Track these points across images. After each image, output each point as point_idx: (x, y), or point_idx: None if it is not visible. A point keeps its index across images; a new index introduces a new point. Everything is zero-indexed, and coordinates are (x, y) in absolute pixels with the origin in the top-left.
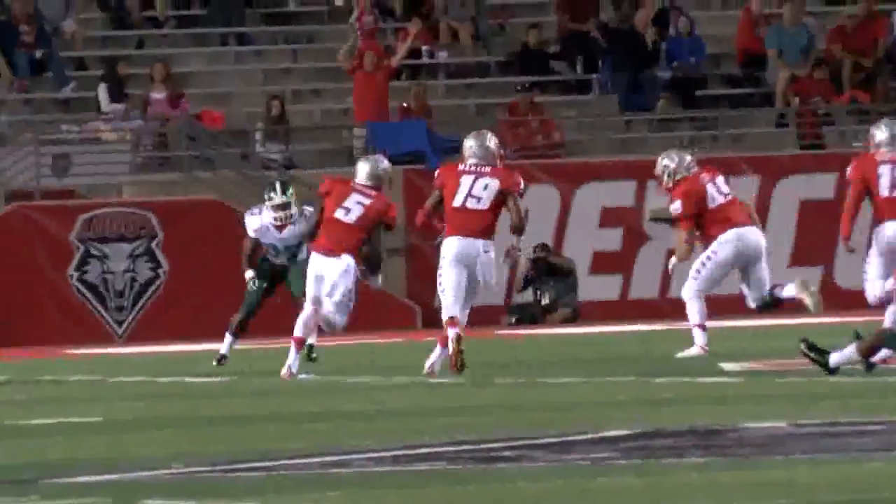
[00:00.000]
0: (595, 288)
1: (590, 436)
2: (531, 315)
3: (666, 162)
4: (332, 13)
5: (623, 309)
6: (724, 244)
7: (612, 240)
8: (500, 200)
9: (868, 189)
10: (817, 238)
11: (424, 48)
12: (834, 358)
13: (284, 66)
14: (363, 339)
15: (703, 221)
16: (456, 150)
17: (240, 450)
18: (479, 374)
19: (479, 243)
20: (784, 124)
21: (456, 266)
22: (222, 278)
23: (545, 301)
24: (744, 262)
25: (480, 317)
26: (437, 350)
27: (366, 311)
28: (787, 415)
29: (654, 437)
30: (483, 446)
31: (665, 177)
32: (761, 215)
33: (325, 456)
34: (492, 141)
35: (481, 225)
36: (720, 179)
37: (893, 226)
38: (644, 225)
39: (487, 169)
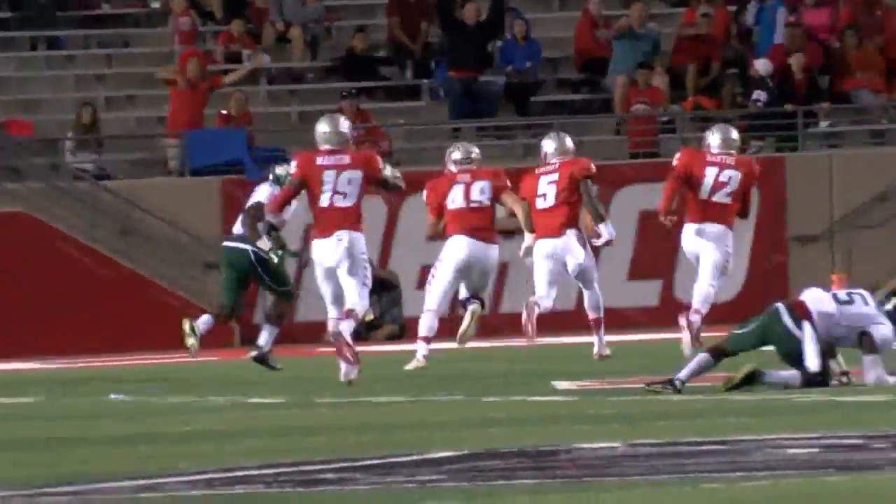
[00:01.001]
0: (422, 303)
1: (415, 457)
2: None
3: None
4: (148, 16)
5: (454, 325)
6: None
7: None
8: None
9: (689, 185)
10: (657, 250)
11: (245, 52)
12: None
13: (97, 72)
14: (177, 357)
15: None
16: (275, 159)
17: (50, 473)
18: (299, 392)
19: (346, 234)
20: (625, 131)
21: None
22: (30, 294)
23: (369, 317)
24: (465, 270)
25: (305, 333)
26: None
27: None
28: (621, 435)
29: (482, 459)
30: (303, 468)
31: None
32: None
33: (137, 479)
34: (344, 125)
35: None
36: (479, 185)
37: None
38: None
39: (347, 159)
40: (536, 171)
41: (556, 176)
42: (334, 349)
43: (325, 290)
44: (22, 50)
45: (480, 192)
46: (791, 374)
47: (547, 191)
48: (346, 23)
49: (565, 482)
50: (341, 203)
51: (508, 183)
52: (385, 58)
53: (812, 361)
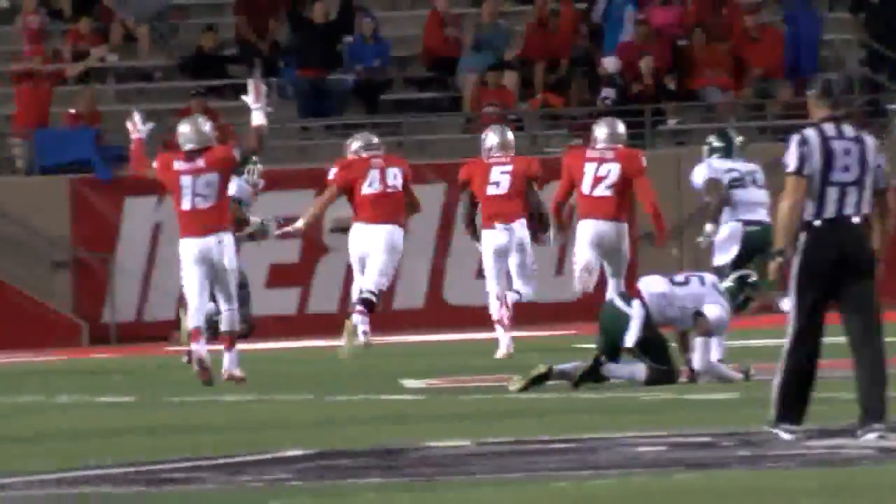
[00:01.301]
0: (271, 302)
1: (264, 456)
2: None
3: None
4: None
5: (301, 324)
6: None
7: (289, 252)
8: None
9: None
10: None
11: (93, 50)
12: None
13: None
14: (24, 356)
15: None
16: (126, 158)
17: None
18: (147, 393)
19: (213, 238)
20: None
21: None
22: None
23: (216, 316)
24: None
25: (154, 330)
26: None
27: (30, 327)
28: (470, 433)
29: (331, 458)
30: (151, 468)
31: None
32: (449, 225)
33: None
34: (206, 125)
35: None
36: (392, 171)
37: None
38: (324, 236)
39: (202, 163)
40: (487, 161)
41: (510, 167)
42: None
43: (191, 282)
44: None
45: (394, 177)
46: (635, 367)
47: (500, 179)
48: (195, 21)
49: (413, 481)
50: (203, 205)
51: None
52: (233, 56)
53: (631, 338)
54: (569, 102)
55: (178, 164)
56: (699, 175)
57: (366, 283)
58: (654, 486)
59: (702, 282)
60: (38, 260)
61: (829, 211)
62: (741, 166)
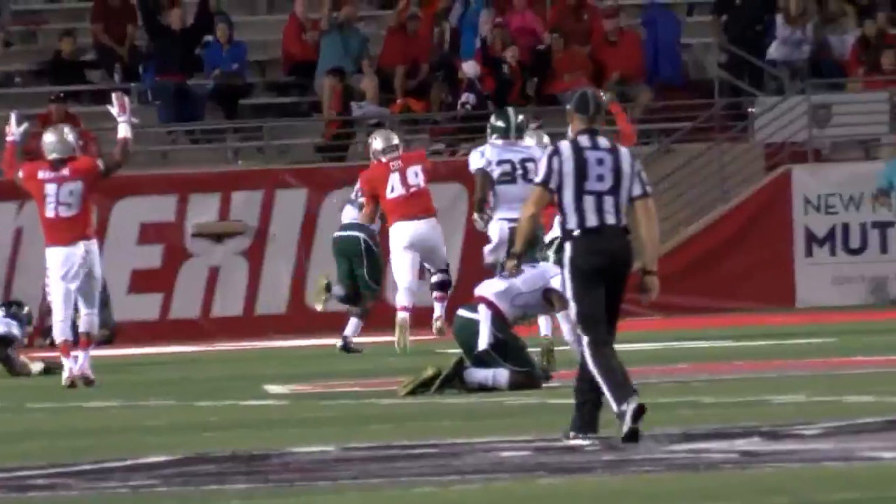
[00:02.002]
0: (133, 307)
1: (128, 462)
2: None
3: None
4: None
5: (163, 329)
6: None
7: (151, 257)
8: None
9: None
10: None
11: None
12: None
13: None
14: None
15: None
16: None
17: None
18: (12, 398)
19: (80, 245)
20: (334, 135)
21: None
22: None
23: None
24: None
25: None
26: None
27: None
28: (334, 439)
29: (195, 464)
30: (14, 475)
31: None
32: (311, 230)
33: None
34: (70, 134)
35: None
36: (412, 170)
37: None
38: (186, 242)
39: (67, 172)
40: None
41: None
42: (58, 352)
43: (57, 293)
44: None
45: (415, 175)
46: (497, 371)
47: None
48: (53, 26)
49: (277, 486)
50: (67, 213)
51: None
52: (92, 62)
53: (483, 341)
54: (429, 107)
55: (43, 174)
56: (474, 162)
57: (434, 271)
58: (519, 490)
59: (534, 265)
60: None
61: (591, 220)
62: (516, 154)
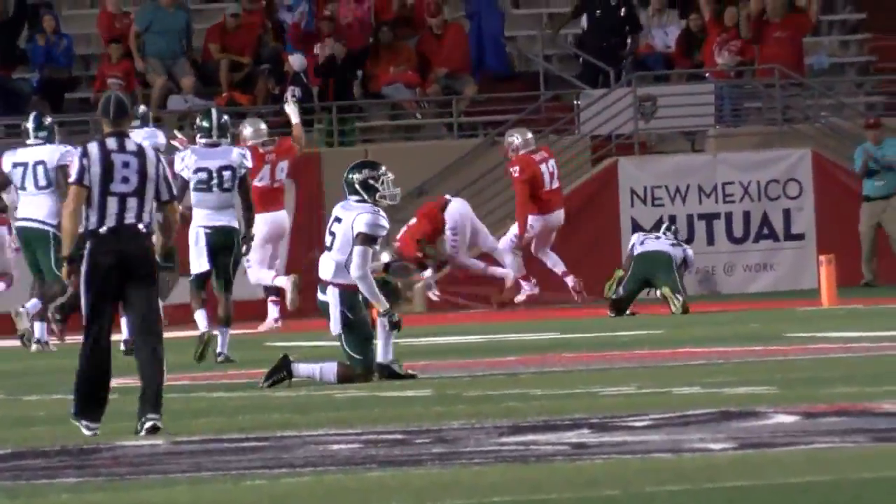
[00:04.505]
0: None
1: None
2: None
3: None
4: None
5: None
6: None
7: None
8: None
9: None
10: None
11: None
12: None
13: None
14: None
15: None
16: None
17: None
18: None
19: None
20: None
21: None
22: None
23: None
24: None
25: None
26: None
27: None
28: (164, 432)
29: (24, 458)
30: None
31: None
32: None
33: None
34: None
35: None
36: (280, 165)
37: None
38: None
39: None
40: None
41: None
42: None
43: None
44: None
45: (281, 171)
46: (324, 365)
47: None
48: None
49: (108, 479)
50: None
51: None
52: None
53: (335, 326)
54: (255, 100)
55: None
56: (184, 161)
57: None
58: (349, 483)
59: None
60: None
61: (111, 220)
62: (216, 162)
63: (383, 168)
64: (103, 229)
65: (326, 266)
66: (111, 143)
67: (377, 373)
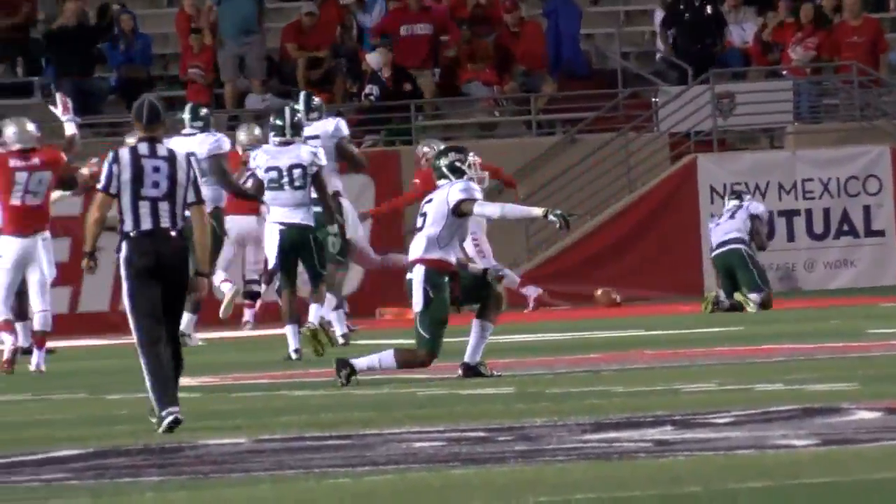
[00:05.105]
0: None
1: (40, 456)
2: None
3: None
4: None
5: (72, 323)
6: None
7: (59, 251)
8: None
9: None
10: None
11: None
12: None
13: None
14: None
15: None
16: None
17: None
18: None
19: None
20: (234, 127)
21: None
22: None
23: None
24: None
25: None
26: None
27: None
28: (246, 430)
29: (107, 456)
30: None
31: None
32: None
33: None
34: (31, 125)
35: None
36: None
37: None
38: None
39: (37, 161)
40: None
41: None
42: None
43: (5, 284)
44: None
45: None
46: (381, 354)
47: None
48: None
49: (191, 478)
50: (32, 202)
51: None
52: None
53: (416, 304)
54: (333, 99)
55: (14, 161)
56: (256, 160)
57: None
58: (432, 480)
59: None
60: None
61: (145, 223)
62: (286, 160)
63: (470, 152)
64: (138, 232)
65: (417, 244)
66: (142, 148)
67: (462, 372)
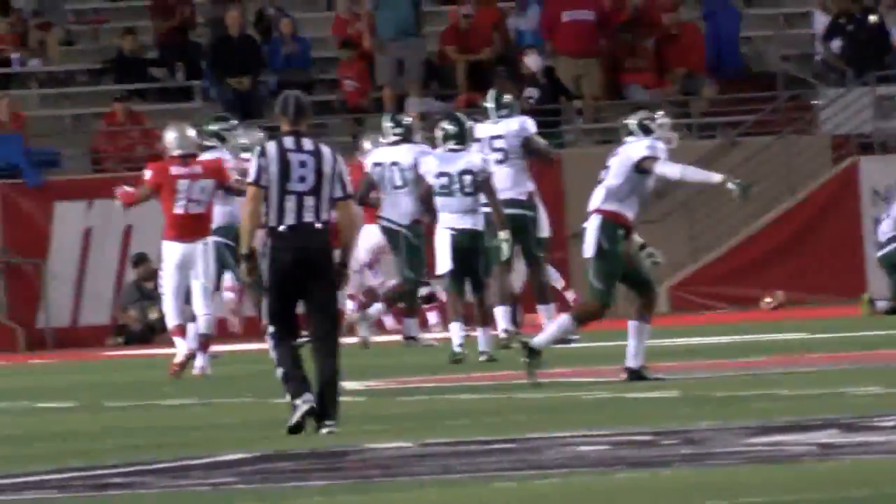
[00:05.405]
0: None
1: (206, 460)
2: (140, 334)
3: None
4: None
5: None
6: None
7: None
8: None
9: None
10: None
11: (14, 56)
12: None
13: None
14: None
15: None
16: (54, 163)
17: None
18: (87, 396)
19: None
20: None
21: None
22: None
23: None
24: None
25: (89, 334)
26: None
27: None
28: (411, 434)
29: (274, 461)
30: (94, 473)
31: None
32: None
33: None
34: (191, 131)
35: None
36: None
37: None
38: None
39: (199, 169)
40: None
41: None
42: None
43: (170, 286)
44: None
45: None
46: (558, 320)
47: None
48: (114, 25)
49: (357, 483)
50: (195, 210)
51: None
52: (155, 60)
53: (587, 250)
54: None
55: (176, 169)
56: (426, 166)
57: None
58: (599, 485)
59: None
60: None
61: (290, 218)
62: (457, 166)
63: (660, 111)
64: (283, 227)
65: (597, 195)
66: (288, 142)
67: (626, 376)
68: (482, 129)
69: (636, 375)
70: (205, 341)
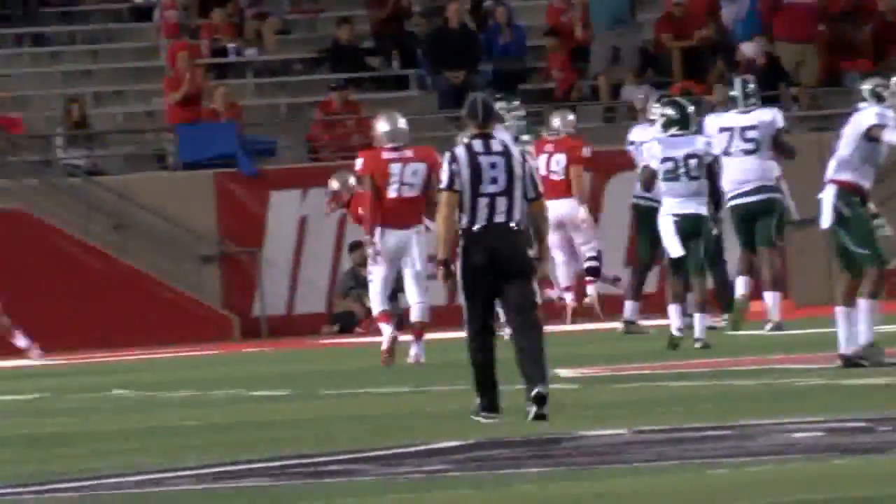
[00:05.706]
0: None
1: (422, 447)
2: (354, 322)
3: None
4: (131, 10)
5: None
6: None
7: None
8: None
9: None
10: None
11: (231, 46)
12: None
13: (83, 68)
14: (179, 351)
15: None
16: (269, 152)
17: (52, 469)
18: (303, 385)
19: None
20: (612, 119)
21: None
22: (26, 291)
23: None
24: None
25: (303, 324)
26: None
27: (181, 322)
28: (626, 422)
29: (489, 448)
30: (309, 461)
31: None
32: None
33: (143, 474)
34: (402, 121)
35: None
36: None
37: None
38: None
39: (410, 153)
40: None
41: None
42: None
43: (379, 272)
44: (7, 47)
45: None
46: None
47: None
48: (330, 14)
49: (572, 469)
50: (409, 194)
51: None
52: (370, 49)
53: (825, 221)
54: (709, 89)
55: (388, 154)
56: (649, 151)
57: None
58: (813, 471)
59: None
60: (187, 255)
61: (482, 219)
62: (681, 151)
63: (894, 78)
64: (475, 228)
65: (830, 165)
66: (477, 145)
67: (842, 363)
68: (729, 119)
69: (851, 363)
70: (419, 329)
